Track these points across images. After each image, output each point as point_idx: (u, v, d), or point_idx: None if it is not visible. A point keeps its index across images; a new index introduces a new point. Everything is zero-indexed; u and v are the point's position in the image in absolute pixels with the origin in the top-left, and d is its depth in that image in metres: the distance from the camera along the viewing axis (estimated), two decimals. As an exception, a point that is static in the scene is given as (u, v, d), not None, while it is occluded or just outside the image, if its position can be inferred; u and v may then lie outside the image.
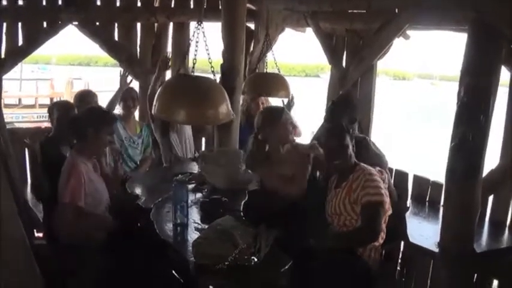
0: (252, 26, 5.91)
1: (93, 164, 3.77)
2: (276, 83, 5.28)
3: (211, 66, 3.88)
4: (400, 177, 4.64)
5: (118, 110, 5.25)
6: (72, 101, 4.98)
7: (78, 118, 3.78)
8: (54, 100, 18.81)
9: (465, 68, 3.27)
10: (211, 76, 3.81)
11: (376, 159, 4.02)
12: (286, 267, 2.90)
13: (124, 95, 5.17)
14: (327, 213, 3.64)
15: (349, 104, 4.42)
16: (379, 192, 3.32)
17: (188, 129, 5.49)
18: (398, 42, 5.00)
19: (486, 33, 3.20)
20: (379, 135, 4.41)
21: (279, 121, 4.04)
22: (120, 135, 5.07)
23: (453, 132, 3.33)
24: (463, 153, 3.28)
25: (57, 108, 4.32)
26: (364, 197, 3.32)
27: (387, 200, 3.37)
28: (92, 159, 3.77)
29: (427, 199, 4.62)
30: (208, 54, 3.83)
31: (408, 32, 4.99)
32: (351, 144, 3.55)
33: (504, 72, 3.61)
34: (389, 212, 3.43)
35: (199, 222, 3.49)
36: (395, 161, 4.43)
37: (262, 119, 4.12)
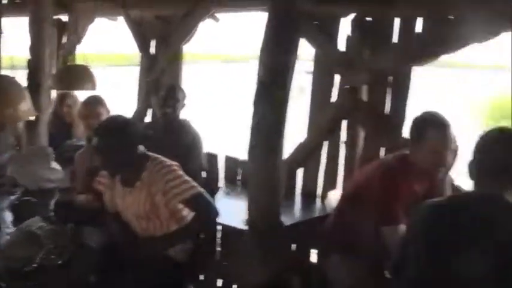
0: (66, 18, 5.75)
1: None
2: (81, 76, 5.17)
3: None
4: (210, 159, 4.70)
5: None
6: None
7: None
8: None
9: (264, 47, 3.20)
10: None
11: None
12: (95, 264, 2.96)
13: None
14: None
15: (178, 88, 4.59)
16: (194, 184, 3.07)
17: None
18: (207, 25, 5.06)
19: (285, 10, 3.18)
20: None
21: None
22: None
23: (253, 112, 3.25)
24: (263, 131, 3.24)
25: None
26: (182, 194, 3.02)
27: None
28: None
29: (238, 178, 4.80)
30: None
31: (217, 15, 5.04)
32: (133, 146, 3.07)
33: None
34: None
35: (10, 225, 3.42)
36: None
37: None
